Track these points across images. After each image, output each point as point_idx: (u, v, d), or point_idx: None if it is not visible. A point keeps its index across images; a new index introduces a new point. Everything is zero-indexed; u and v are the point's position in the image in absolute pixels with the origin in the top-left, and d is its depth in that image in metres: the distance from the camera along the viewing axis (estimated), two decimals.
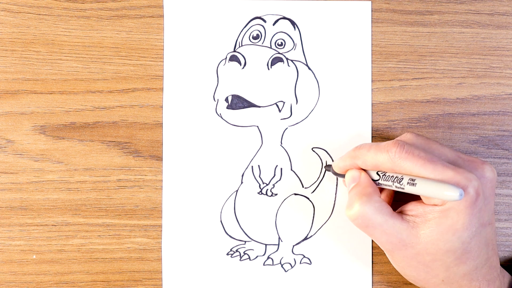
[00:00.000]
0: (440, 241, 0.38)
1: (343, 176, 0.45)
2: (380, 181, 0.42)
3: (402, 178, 0.39)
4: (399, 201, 0.44)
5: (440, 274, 0.40)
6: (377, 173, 0.42)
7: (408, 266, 0.40)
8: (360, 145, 0.43)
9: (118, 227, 0.49)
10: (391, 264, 0.49)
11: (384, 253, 0.49)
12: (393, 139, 0.48)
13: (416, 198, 0.41)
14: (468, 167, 0.40)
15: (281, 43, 0.49)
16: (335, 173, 0.46)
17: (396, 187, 0.40)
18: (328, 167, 0.48)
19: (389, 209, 0.40)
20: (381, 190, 0.44)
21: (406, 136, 0.42)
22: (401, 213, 0.41)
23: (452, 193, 0.36)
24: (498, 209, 0.49)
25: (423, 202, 0.40)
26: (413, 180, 0.39)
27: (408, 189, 0.39)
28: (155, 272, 0.49)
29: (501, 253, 0.49)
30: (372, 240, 0.49)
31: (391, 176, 0.40)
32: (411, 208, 0.40)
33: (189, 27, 0.49)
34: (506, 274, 0.43)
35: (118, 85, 0.49)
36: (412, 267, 0.40)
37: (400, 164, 0.39)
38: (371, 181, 0.42)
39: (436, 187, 0.37)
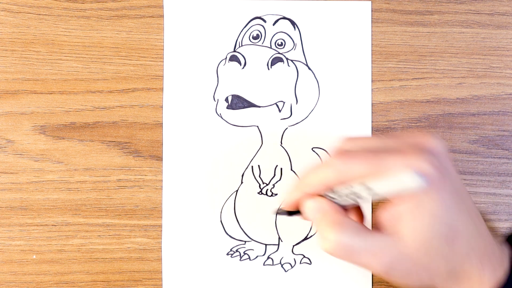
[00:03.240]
0: (426, 232, 0.36)
1: (298, 212, 0.40)
2: (337, 199, 0.38)
3: (359, 188, 0.36)
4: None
5: (441, 267, 0.37)
6: (330, 193, 0.38)
7: (410, 278, 0.38)
8: (302, 175, 0.39)
9: (118, 227, 0.49)
10: None
11: None
12: None
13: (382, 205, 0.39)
14: (416, 147, 0.37)
15: (281, 43, 0.49)
16: (290, 214, 0.40)
17: (357, 198, 0.37)
18: (280, 211, 0.41)
19: (366, 228, 0.37)
20: (347, 212, 0.40)
21: (345, 143, 0.39)
22: (377, 227, 0.38)
23: (412, 180, 0.33)
24: (498, 209, 0.49)
25: (391, 205, 0.37)
26: (369, 187, 0.35)
27: (368, 197, 0.36)
28: (155, 272, 0.49)
29: None
30: None
31: (347, 191, 0.37)
32: (383, 217, 0.37)
33: (189, 27, 0.49)
34: (505, 246, 0.41)
35: (118, 85, 0.49)
36: (414, 276, 0.38)
37: (347, 172, 0.36)
38: (336, 205, 0.38)
39: (393, 182, 0.34)
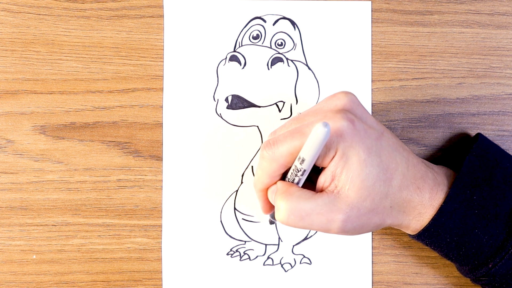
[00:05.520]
0: (360, 178, 0.38)
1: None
2: (288, 178, 0.41)
3: (295, 163, 0.39)
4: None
5: (385, 204, 0.40)
6: (283, 177, 0.41)
7: (365, 226, 0.40)
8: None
9: (118, 227, 0.49)
10: (391, 264, 0.49)
11: (384, 253, 0.49)
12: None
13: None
14: (330, 110, 0.40)
15: (281, 43, 0.49)
16: (273, 218, 0.45)
17: (298, 173, 0.39)
18: (272, 220, 0.46)
19: (311, 192, 0.40)
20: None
21: (270, 135, 0.42)
22: (321, 190, 0.40)
23: (321, 129, 0.35)
24: None
25: (325, 167, 0.39)
26: (299, 157, 0.38)
27: (303, 167, 0.39)
28: (155, 272, 0.49)
29: None
30: (372, 240, 0.49)
31: (290, 171, 0.40)
32: (322, 180, 0.40)
33: (189, 27, 0.49)
34: (440, 167, 0.44)
35: (118, 85, 0.49)
36: (367, 223, 0.40)
37: (277, 155, 0.39)
38: (285, 182, 0.41)
39: (311, 141, 0.36)
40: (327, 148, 0.38)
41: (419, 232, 0.42)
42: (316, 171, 0.40)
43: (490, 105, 0.49)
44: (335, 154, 0.38)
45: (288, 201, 0.39)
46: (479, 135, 0.45)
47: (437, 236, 0.42)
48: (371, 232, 0.49)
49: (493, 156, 0.43)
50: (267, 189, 0.42)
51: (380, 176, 0.39)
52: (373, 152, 0.39)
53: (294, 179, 0.40)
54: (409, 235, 0.44)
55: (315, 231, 0.49)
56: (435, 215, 0.41)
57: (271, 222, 0.47)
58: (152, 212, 0.49)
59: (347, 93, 0.40)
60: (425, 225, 0.42)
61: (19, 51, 0.49)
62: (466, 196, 0.41)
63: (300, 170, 0.39)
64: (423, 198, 0.41)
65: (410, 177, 0.41)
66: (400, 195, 0.40)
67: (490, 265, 0.41)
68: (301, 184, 0.41)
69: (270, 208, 0.44)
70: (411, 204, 0.41)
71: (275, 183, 0.41)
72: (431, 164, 0.44)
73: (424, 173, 0.42)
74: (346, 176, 0.38)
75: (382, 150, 0.39)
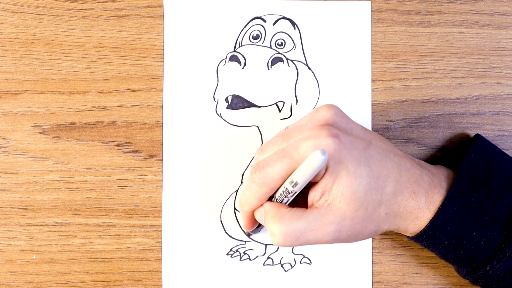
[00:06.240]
0: (351, 190, 0.38)
1: (257, 230, 0.45)
2: (280, 200, 0.41)
3: (285, 185, 0.39)
4: None
5: (380, 212, 0.40)
6: (273, 198, 0.41)
7: (359, 234, 0.40)
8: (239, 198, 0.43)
9: (118, 227, 0.49)
10: (391, 264, 0.49)
11: (384, 253, 0.49)
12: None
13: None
14: (315, 125, 0.40)
15: (281, 43, 0.49)
16: (256, 229, 0.45)
17: (289, 195, 0.40)
18: (248, 233, 0.47)
19: (301, 210, 0.40)
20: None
21: (257, 156, 0.42)
22: (311, 207, 0.40)
23: (318, 157, 0.36)
24: None
25: (315, 183, 0.39)
26: (291, 180, 0.38)
27: (294, 189, 0.39)
28: (155, 272, 0.49)
29: None
30: (372, 240, 0.49)
31: (280, 192, 0.40)
32: (313, 195, 0.40)
33: (189, 27, 0.49)
34: (438, 167, 0.44)
35: (118, 85, 0.49)
36: (362, 231, 0.40)
37: (268, 180, 0.39)
38: (273, 203, 0.41)
39: (306, 167, 0.37)
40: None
41: (417, 234, 0.42)
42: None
43: (490, 105, 0.49)
44: (325, 171, 0.38)
45: (282, 224, 0.39)
46: (477, 136, 0.45)
47: (435, 239, 0.42)
48: None
49: (492, 157, 0.43)
50: (254, 210, 0.42)
51: (371, 185, 0.39)
52: (361, 163, 0.39)
53: (283, 199, 0.40)
54: (407, 237, 0.44)
55: None
56: (432, 217, 0.41)
57: (248, 235, 0.48)
58: (152, 212, 0.49)
59: (330, 107, 0.40)
60: (423, 227, 0.41)
61: (19, 51, 0.49)
62: (464, 198, 0.41)
63: (291, 193, 0.39)
64: (419, 202, 0.41)
65: (403, 182, 0.41)
66: (394, 201, 0.40)
67: (488, 268, 0.41)
68: (288, 202, 0.41)
69: (252, 225, 0.44)
70: (407, 209, 0.41)
71: (261, 205, 0.41)
72: (428, 165, 0.44)
73: (418, 176, 0.41)
74: (336, 190, 0.38)
75: (371, 159, 0.39)
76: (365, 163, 0.39)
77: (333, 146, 0.38)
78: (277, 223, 0.39)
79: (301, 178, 0.38)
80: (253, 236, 0.49)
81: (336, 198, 0.39)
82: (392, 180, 0.40)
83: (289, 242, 0.39)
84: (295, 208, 0.40)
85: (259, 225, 0.45)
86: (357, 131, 0.41)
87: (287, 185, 0.39)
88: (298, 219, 0.39)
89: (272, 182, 0.40)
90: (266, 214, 0.40)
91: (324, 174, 0.39)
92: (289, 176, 0.39)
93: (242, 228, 0.48)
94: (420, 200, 0.41)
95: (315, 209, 0.39)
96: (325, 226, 0.39)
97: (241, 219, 0.44)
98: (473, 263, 0.42)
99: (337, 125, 0.40)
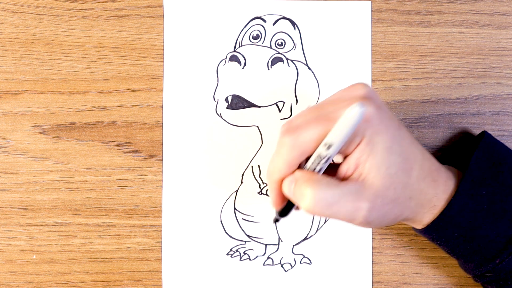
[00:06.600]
0: (385, 165, 0.38)
1: (291, 205, 0.41)
2: (309, 167, 0.39)
3: (319, 149, 0.37)
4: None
5: (406, 195, 0.39)
6: (303, 167, 0.39)
7: (386, 217, 0.39)
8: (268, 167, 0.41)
9: (118, 227, 0.49)
10: (391, 264, 0.49)
11: (384, 253, 0.49)
12: None
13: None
14: (351, 97, 0.38)
15: (281, 43, 0.49)
16: (285, 213, 0.41)
17: (322, 160, 0.38)
18: (276, 218, 0.43)
19: (337, 180, 0.38)
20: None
21: (287, 123, 0.40)
22: (343, 179, 0.39)
23: (357, 109, 0.34)
24: None
25: (348, 155, 0.38)
26: (325, 143, 0.36)
27: (329, 153, 0.37)
28: (155, 272, 0.49)
29: None
30: (372, 240, 0.49)
31: (313, 159, 0.38)
32: (345, 168, 0.38)
33: (189, 27, 0.49)
34: (449, 167, 0.44)
35: (118, 85, 0.49)
36: (388, 214, 0.39)
37: (301, 142, 0.37)
38: (305, 170, 0.39)
39: (342, 124, 0.35)
40: (353, 134, 0.37)
41: (428, 225, 0.42)
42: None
43: (490, 105, 0.49)
44: (361, 140, 0.37)
45: (315, 189, 0.37)
46: (484, 132, 0.45)
47: (445, 230, 0.42)
48: (371, 232, 0.49)
49: (499, 153, 0.43)
50: (282, 180, 0.39)
51: (402, 165, 0.38)
52: (396, 141, 0.38)
53: (315, 167, 0.38)
54: (416, 230, 0.43)
55: (315, 231, 0.49)
56: (444, 209, 0.41)
57: (276, 220, 0.44)
58: (152, 212, 0.49)
59: (365, 84, 0.39)
60: (434, 218, 0.41)
61: (19, 51, 0.49)
62: (476, 191, 0.41)
63: (325, 157, 0.37)
64: (437, 190, 0.41)
65: (426, 168, 0.40)
66: (418, 186, 0.40)
67: (497, 261, 0.41)
68: (321, 173, 0.39)
69: (282, 201, 0.41)
70: (427, 197, 0.41)
71: (292, 173, 0.39)
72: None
73: (438, 166, 0.41)
74: (371, 163, 0.37)
75: (402, 140, 0.39)
76: (398, 142, 0.38)
77: (375, 116, 0.37)
78: (310, 186, 0.37)
79: (337, 137, 0.36)
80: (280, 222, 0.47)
81: (370, 172, 0.37)
82: (418, 165, 0.40)
83: (319, 208, 0.37)
84: (330, 177, 0.38)
85: (289, 207, 0.41)
86: (393, 115, 0.40)
87: (321, 149, 0.37)
88: (334, 186, 0.37)
89: (303, 144, 0.37)
90: (298, 180, 0.38)
91: (359, 143, 0.37)
92: (322, 140, 0.37)
93: (272, 206, 0.43)
94: (439, 188, 0.41)
95: (350, 182, 0.38)
96: (359, 201, 0.37)
97: (270, 192, 0.41)
98: (482, 256, 0.42)
99: (376, 102, 0.38)
